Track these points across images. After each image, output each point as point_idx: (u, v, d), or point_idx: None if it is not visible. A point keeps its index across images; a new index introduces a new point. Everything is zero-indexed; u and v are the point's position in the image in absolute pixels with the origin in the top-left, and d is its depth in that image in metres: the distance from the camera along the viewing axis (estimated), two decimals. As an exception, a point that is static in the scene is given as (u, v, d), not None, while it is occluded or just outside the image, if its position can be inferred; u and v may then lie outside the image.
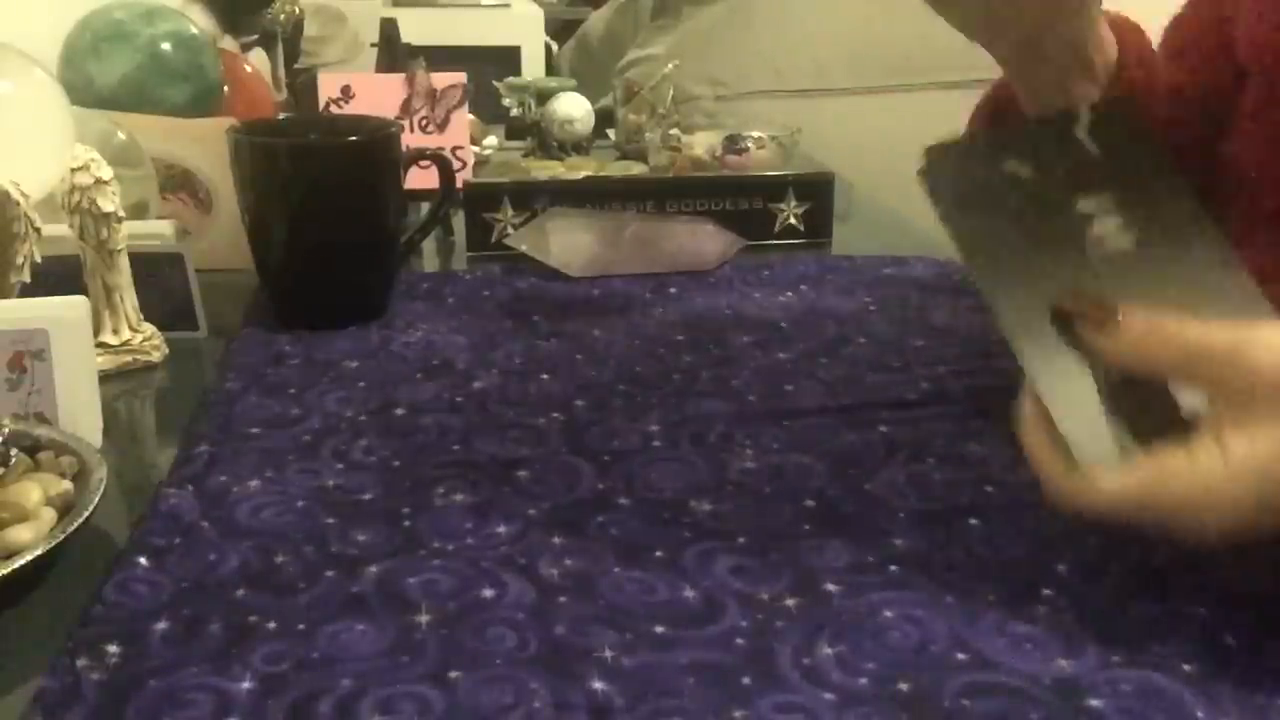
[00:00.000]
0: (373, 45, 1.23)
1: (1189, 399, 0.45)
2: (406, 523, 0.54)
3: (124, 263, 0.73)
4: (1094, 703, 0.42)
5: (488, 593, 0.49)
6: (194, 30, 1.18)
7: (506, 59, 2.48)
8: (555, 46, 2.56)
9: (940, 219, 0.51)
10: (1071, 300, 0.46)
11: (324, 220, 0.79)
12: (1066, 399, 0.47)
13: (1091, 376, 0.46)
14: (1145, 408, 0.46)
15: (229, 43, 1.49)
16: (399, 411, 0.67)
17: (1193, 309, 0.44)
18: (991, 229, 0.50)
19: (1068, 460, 0.46)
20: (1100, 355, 0.46)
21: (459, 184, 0.90)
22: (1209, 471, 0.42)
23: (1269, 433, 0.42)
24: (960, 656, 0.45)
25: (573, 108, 1.20)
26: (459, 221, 0.99)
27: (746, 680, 0.43)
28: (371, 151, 0.81)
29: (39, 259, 0.66)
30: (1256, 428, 0.42)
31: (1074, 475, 0.46)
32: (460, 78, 1.02)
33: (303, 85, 1.50)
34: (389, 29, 1.18)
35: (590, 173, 1.07)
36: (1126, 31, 0.65)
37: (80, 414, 0.62)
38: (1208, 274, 0.47)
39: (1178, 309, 0.44)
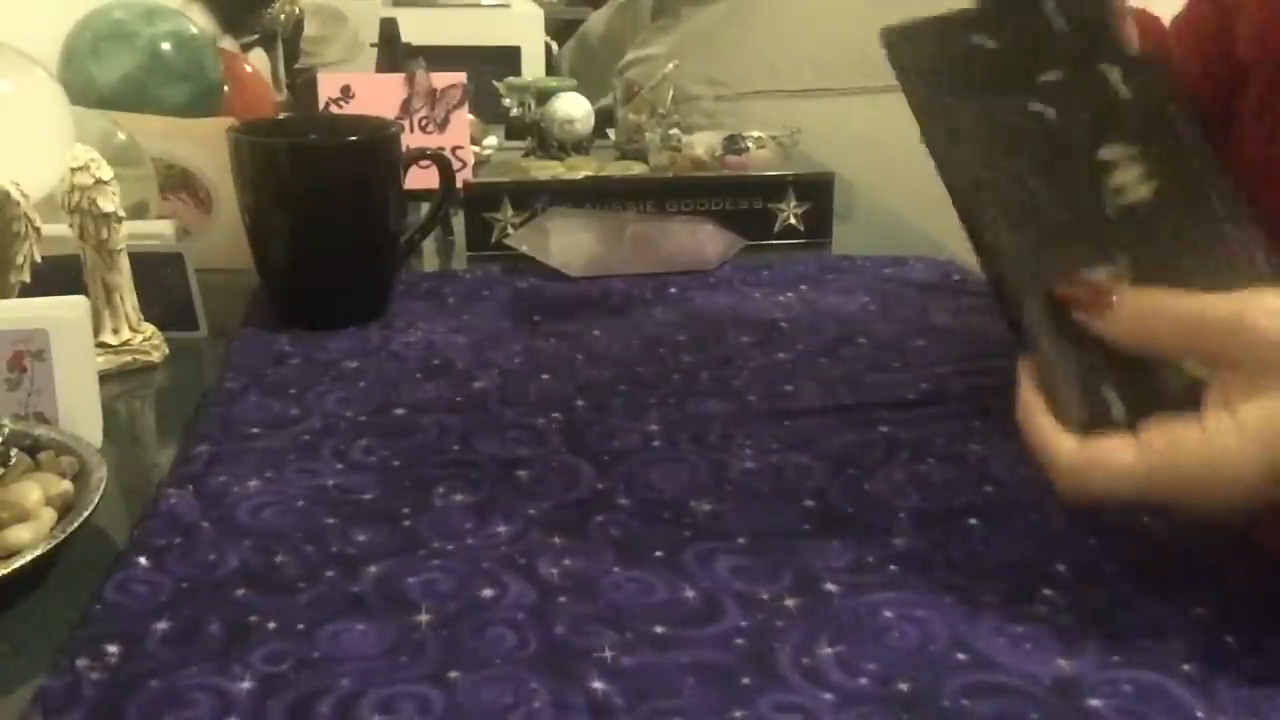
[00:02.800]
0: (373, 45, 1.23)
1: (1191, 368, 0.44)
2: (406, 523, 0.54)
3: (124, 263, 0.73)
4: (1094, 703, 0.42)
5: (488, 593, 0.49)
6: (194, 30, 1.18)
7: (506, 59, 2.48)
8: (555, 46, 2.56)
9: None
10: (1067, 285, 0.46)
11: (324, 220, 0.79)
12: (1067, 367, 0.46)
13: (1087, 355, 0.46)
14: (1146, 383, 0.45)
15: (229, 43, 1.49)
16: (399, 411, 0.67)
17: (1205, 265, 0.44)
18: (1002, 173, 0.49)
19: (1074, 441, 0.45)
20: (1104, 336, 0.45)
21: (459, 184, 0.90)
22: (1221, 440, 0.42)
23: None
24: (960, 656, 0.45)
25: (573, 108, 1.20)
26: (459, 221, 0.99)
27: (746, 680, 0.43)
28: (371, 151, 0.81)
29: (39, 259, 0.66)
30: (1266, 394, 0.41)
31: (1082, 455, 0.45)
32: (460, 78, 1.02)
33: (303, 85, 1.50)
34: (389, 29, 1.18)
35: (590, 173, 1.07)
36: (1145, 21, 0.65)
37: (80, 414, 0.62)
38: (1222, 228, 0.46)
39: (1190, 263, 0.44)
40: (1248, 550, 0.52)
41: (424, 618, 0.47)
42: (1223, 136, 0.64)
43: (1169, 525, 0.54)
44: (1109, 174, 0.47)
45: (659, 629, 0.46)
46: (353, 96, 1.01)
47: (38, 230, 0.66)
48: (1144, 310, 0.44)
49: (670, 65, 1.25)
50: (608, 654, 0.45)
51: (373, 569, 0.51)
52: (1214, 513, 0.44)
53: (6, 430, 0.56)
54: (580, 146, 1.20)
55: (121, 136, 0.87)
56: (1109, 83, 0.48)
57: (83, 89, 1.05)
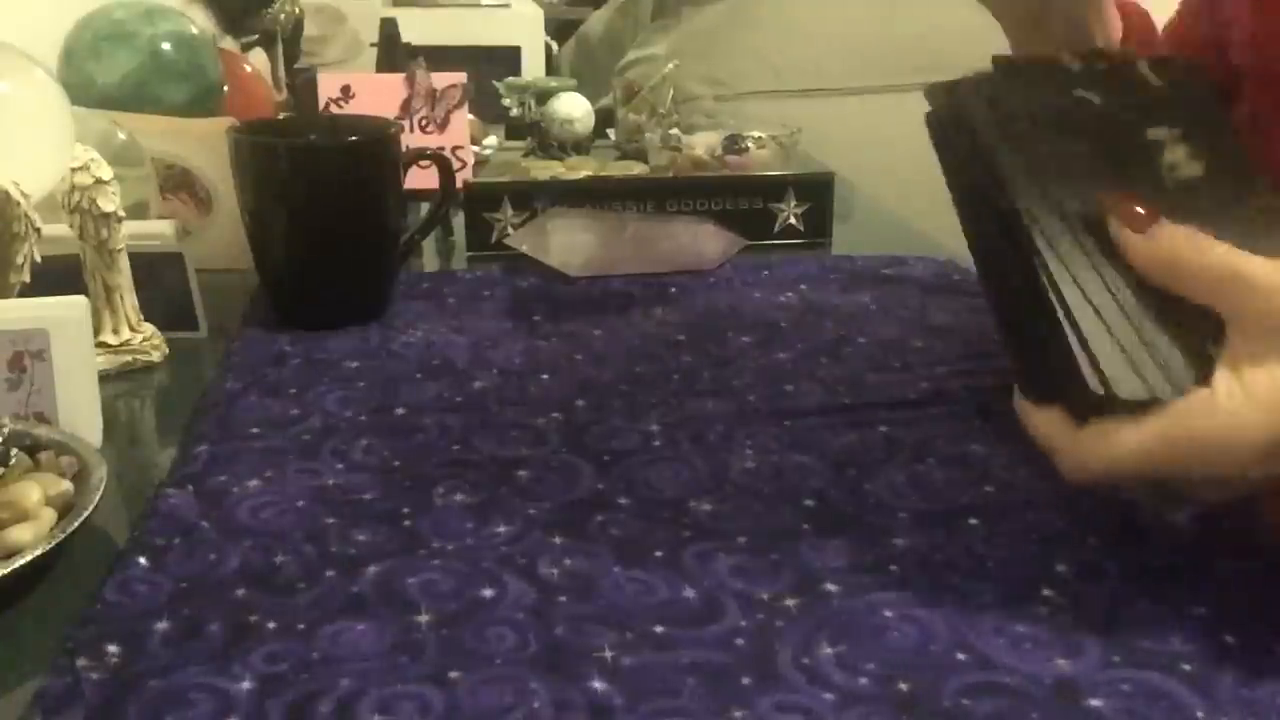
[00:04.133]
0: (373, 45, 1.23)
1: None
2: (406, 523, 0.54)
3: (124, 263, 0.73)
4: (1094, 703, 0.42)
5: (488, 593, 0.49)
6: (194, 30, 1.18)
7: (506, 59, 2.48)
8: (555, 46, 2.56)
9: (976, 152, 0.49)
10: (1116, 201, 0.46)
11: (324, 220, 0.79)
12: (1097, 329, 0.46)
13: (1118, 304, 0.46)
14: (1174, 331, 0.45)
15: (229, 43, 1.49)
16: (399, 411, 0.67)
17: (1257, 240, 0.44)
18: (1056, 153, 0.48)
19: (1078, 423, 0.45)
20: (1133, 260, 0.45)
21: (459, 184, 0.90)
22: (1230, 404, 0.42)
23: None
24: (960, 656, 0.45)
25: (573, 108, 1.20)
26: (459, 221, 0.99)
27: (746, 680, 0.43)
28: (371, 151, 0.81)
29: (39, 259, 0.66)
30: (1276, 363, 0.41)
31: (1088, 435, 0.44)
32: (460, 78, 1.02)
33: (303, 85, 1.50)
34: (389, 29, 1.18)
35: (590, 173, 1.08)
36: (1132, 14, 0.65)
37: (80, 414, 0.62)
38: (1274, 202, 0.47)
39: (1242, 237, 0.44)
40: (1248, 550, 0.52)
41: (424, 618, 0.47)
42: None
43: (1170, 521, 0.54)
44: (1160, 153, 0.47)
45: (659, 629, 0.46)
46: (353, 96, 1.01)
47: (38, 230, 0.66)
48: (1182, 244, 0.44)
49: (670, 65, 1.25)
50: (608, 654, 0.45)
51: (373, 569, 0.51)
52: (1221, 484, 0.44)
53: (6, 430, 0.56)
54: (580, 146, 1.21)
55: (121, 136, 0.87)
56: (1138, 71, 0.49)
57: (83, 89, 1.05)
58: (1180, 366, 0.44)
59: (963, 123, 0.49)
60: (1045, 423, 0.46)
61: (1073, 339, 0.45)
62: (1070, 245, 0.46)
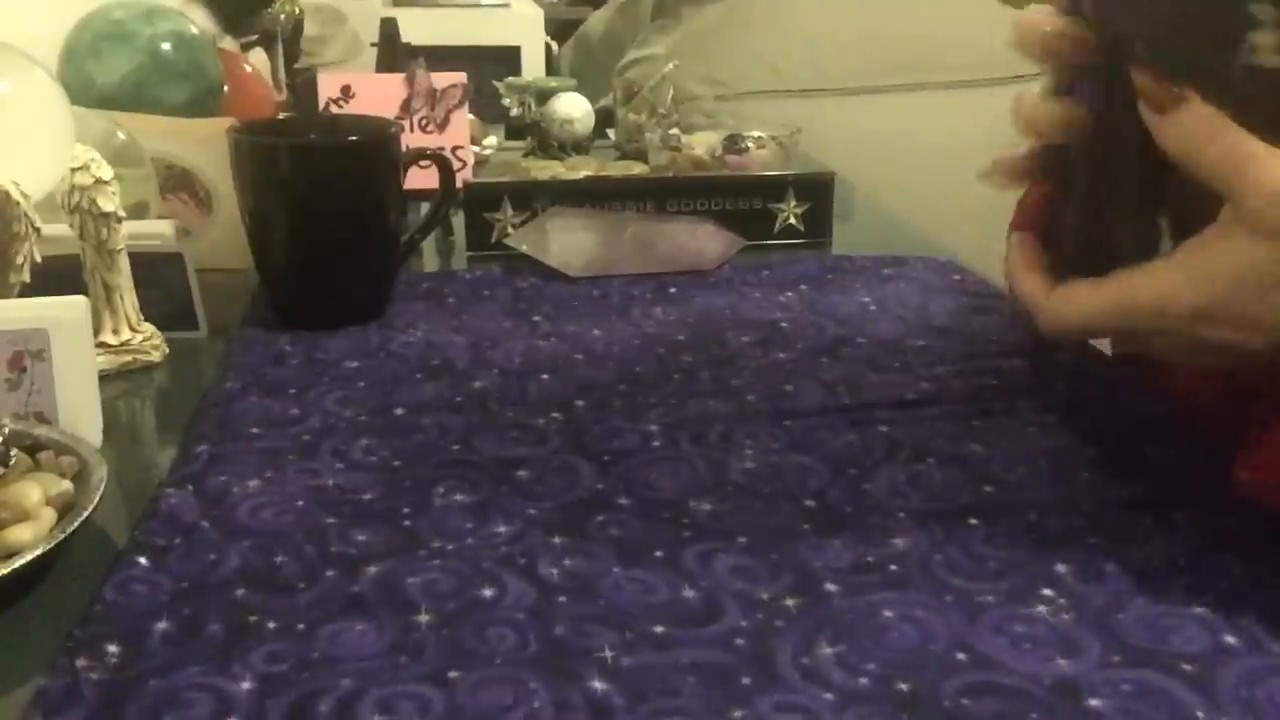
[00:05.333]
0: (373, 45, 1.23)
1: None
2: (406, 523, 0.54)
3: (124, 263, 0.73)
4: (1094, 703, 0.42)
5: (488, 593, 0.49)
6: (194, 30, 1.18)
7: (506, 59, 2.49)
8: (555, 46, 2.56)
9: None
10: (1146, 76, 0.47)
11: (324, 220, 0.79)
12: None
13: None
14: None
15: (229, 43, 1.49)
16: (399, 411, 0.67)
17: None
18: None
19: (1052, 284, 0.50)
20: (1155, 135, 0.47)
21: (459, 184, 0.90)
22: (1165, 277, 0.47)
23: (1245, 245, 0.44)
24: (960, 656, 0.45)
25: (573, 108, 1.20)
26: (459, 221, 0.99)
27: (746, 680, 0.43)
28: (371, 151, 0.81)
29: (39, 259, 0.66)
30: (1226, 239, 0.45)
31: (1059, 295, 0.50)
32: (460, 78, 1.02)
33: (303, 85, 1.50)
34: (389, 29, 1.18)
35: (590, 173, 1.08)
36: None
37: (80, 414, 0.62)
38: None
39: None
40: (1248, 549, 0.52)
41: (424, 618, 0.47)
42: None
43: (1169, 519, 0.54)
44: (1252, 30, 0.46)
45: (659, 629, 0.46)
46: (353, 96, 1.01)
47: (38, 230, 0.66)
48: (1204, 125, 0.45)
49: (670, 65, 1.25)
50: (608, 654, 0.45)
51: (373, 569, 0.51)
52: (1175, 347, 0.49)
53: (6, 430, 0.56)
54: (580, 146, 1.21)
55: (121, 136, 0.87)
56: None
57: (83, 89, 1.05)
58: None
59: None
60: (1028, 282, 0.52)
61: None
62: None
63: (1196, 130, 0.46)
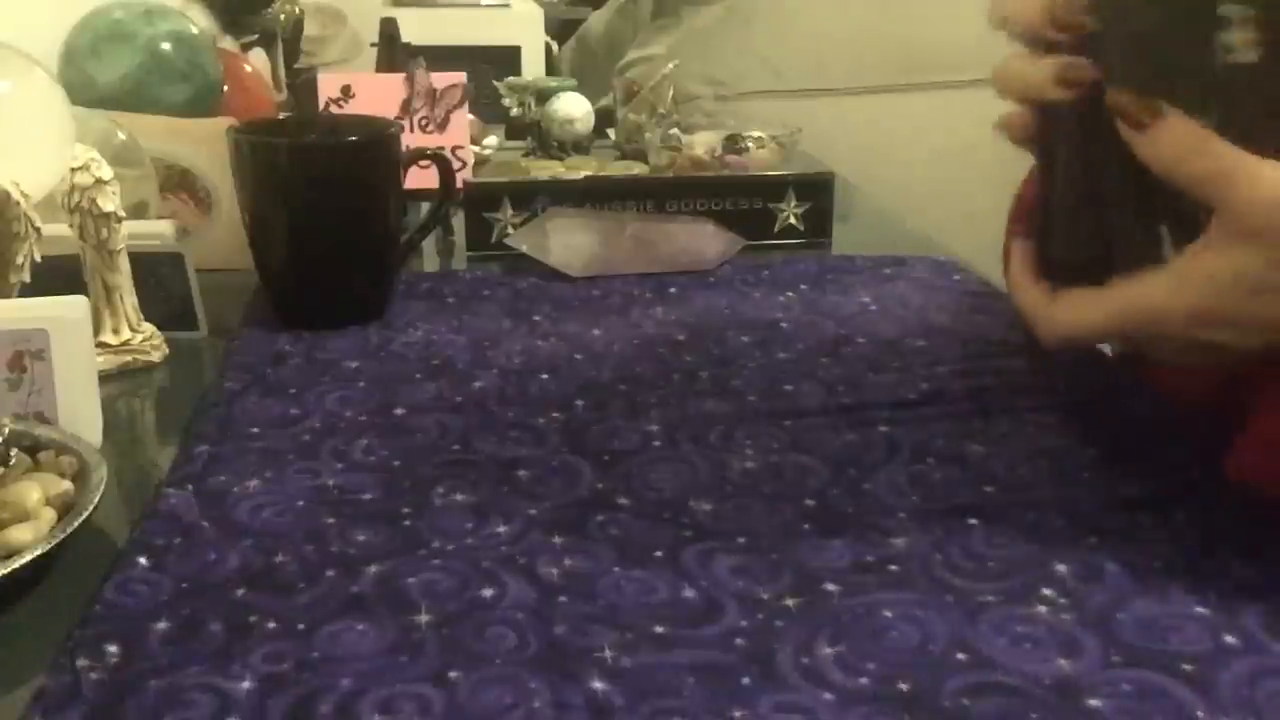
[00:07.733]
0: (373, 45, 1.23)
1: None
2: (406, 523, 0.54)
3: (124, 263, 0.73)
4: (1094, 703, 0.42)
5: (488, 593, 0.49)
6: (194, 30, 1.18)
7: (506, 59, 2.49)
8: (555, 46, 2.57)
9: None
10: (1120, 95, 0.47)
11: (324, 220, 0.79)
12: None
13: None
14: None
15: (229, 43, 1.50)
16: (399, 411, 0.67)
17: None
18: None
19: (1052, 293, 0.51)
20: (1136, 150, 0.47)
21: (459, 184, 0.90)
22: (1165, 283, 0.47)
23: (1235, 250, 0.45)
24: (960, 656, 0.45)
25: (573, 108, 1.20)
26: (459, 221, 0.99)
27: (746, 680, 0.43)
28: (371, 151, 0.81)
29: (39, 259, 0.66)
30: (1219, 251, 0.45)
31: (1058, 304, 0.51)
32: (460, 78, 1.02)
33: (303, 85, 1.50)
34: (389, 29, 1.18)
35: (590, 173, 1.07)
36: None
37: (80, 414, 0.62)
38: None
39: (1275, 133, 0.45)
40: (1248, 549, 0.52)
41: (424, 618, 0.47)
42: None
43: (1169, 519, 0.54)
44: (1223, 30, 0.47)
45: (659, 629, 0.46)
46: (353, 96, 1.01)
47: (38, 230, 0.66)
48: (1183, 139, 0.46)
49: (670, 65, 1.25)
50: (608, 654, 0.45)
51: (373, 569, 0.51)
52: (1174, 350, 0.50)
53: (6, 430, 0.56)
54: (580, 146, 1.21)
55: (121, 136, 0.87)
56: None
57: (83, 89, 1.05)
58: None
59: None
60: (1028, 292, 0.53)
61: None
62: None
63: (1176, 145, 0.46)
